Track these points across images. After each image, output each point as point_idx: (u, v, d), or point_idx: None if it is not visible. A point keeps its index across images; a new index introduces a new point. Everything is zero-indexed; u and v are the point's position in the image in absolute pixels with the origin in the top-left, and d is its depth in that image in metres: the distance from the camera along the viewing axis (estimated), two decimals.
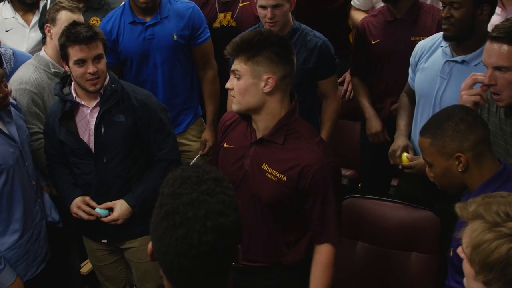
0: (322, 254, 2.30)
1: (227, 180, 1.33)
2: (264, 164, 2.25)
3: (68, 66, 2.63)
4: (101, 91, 2.67)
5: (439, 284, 2.72)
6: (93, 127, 2.69)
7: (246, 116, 2.29)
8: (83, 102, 2.70)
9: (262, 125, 2.25)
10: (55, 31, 2.99)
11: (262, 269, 2.36)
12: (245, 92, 2.19)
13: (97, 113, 2.68)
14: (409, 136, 2.96)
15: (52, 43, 3.01)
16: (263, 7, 2.99)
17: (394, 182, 3.52)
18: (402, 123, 3.01)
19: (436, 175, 2.14)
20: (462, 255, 1.53)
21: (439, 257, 2.71)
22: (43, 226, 2.78)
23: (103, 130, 2.69)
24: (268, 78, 2.16)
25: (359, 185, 3.77)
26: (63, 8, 2.99)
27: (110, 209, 2.77)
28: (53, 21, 3.00)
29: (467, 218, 1.52)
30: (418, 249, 2.75)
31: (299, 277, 2.36)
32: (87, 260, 3.32)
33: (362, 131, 3.64)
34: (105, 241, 2.90)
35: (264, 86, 2.17)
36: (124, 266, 3.07)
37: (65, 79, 2.76)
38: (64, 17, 2.98)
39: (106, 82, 2.68)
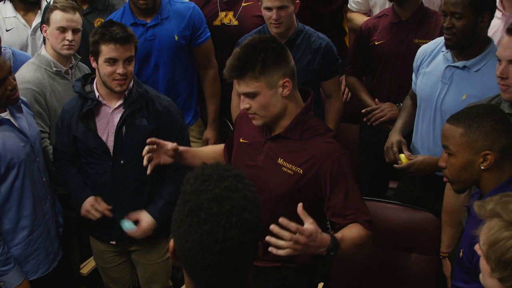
0: (353, 224, 2.18)
1: (246, 177, 1.35)
2: (279, 159, 2.26)
3: (97, 63, 2.62)
4: (125, 92, 2.67)
5: (439, 285, 2.75)
6: (114, 128, 2.68)
7: None
8: (105, 102, 2.69)
9: (279, 123, 2.25)
10: (49, 31, 3.00)
11: (268, 269, 2.35)
12: (268, 106, 2.17)
13: (119, 114, 2.68)
14: (405, 135, 3.00)
15: (50, 43, 3.01)
16: (269, 9, 3.02)
17: (392, 185, 3.55)
18: (399, 121, 3.06)
19: (454, 166, 2.10)
20: (479, 252, 1.55)
21: (439, 258, 2.74)
22: (53, 224, 2.78)
23: (124, 132, 2.68)
24: (284, 82, 2.16)
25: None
26: (56, 8, 2.99)
27: (136, 222, 2.75)
28: (47, 21, 3.01)
29: (485, 216, 1.55)
30: (418, 250, 2.77)
31: (306, 279, 2.36)
32: (88, 261, 3.31)
33: (360, 134, 3.67)
34: (113, 242, 2.89)
35: (282, 91, 2.17)
36: (129, 268, 3.07)
37: (86, 77, 2.76)
38: (56, 17, 2.98)
39: (130, 85, 2.68)
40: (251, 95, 2.16)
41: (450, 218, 2.63)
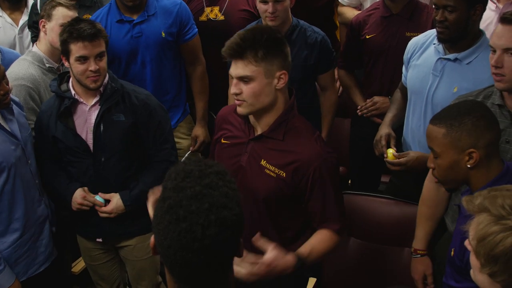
0: (325, 231, 2.25)
1: (229, 174, 1.33)
2: (262, 160, 2.23)
3: (69, 62, 2.61)
4: (101, 89, 2.66)
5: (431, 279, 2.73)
6: (92, 125, 2.67)
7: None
8: (81, 100, 2.68)
9: (263, 121, 2.22)
10: (50, 26, 2.98)
11: None
12: (260, 94, 2.12)
13: (96, 111, 2.67)
14: (395, 128, 2.98)
15: (46, 39, 3.00)
16: (265, 2, 3.01)
17: (383, 179, 3.54)
18: (389, 115, 3.04)
19: (440, 167, 2.08)
20: (469, 247, 1.53)
21: (431, 252, 2.72)
22: (48, 224, 2.75)
23: (102, 129, 2.67)
24: (281, 74, 2.13)
25: (349, 181, 3.77)
26: (60, 4, 2.99)
27: (107, 201, 2.75)
28: (48, 16, 2.99)
29: (473, 211, 1.53)
30: (410, 244, 2.72)
31: (293, 277, 2.33)
32: (79, 259, 3.29)
33: (352, 128, 3.66)
34: (100, 240, 2.88)
35: (277, 83, 2.13)
36: (118, 265, 3.06)
37: (62, 76, 2.74)
38: (60, 13, 2.97)
39: (106, 81, 2.67)
40: (246, 79, 2.11)
41: (430, 212, 2.58)
